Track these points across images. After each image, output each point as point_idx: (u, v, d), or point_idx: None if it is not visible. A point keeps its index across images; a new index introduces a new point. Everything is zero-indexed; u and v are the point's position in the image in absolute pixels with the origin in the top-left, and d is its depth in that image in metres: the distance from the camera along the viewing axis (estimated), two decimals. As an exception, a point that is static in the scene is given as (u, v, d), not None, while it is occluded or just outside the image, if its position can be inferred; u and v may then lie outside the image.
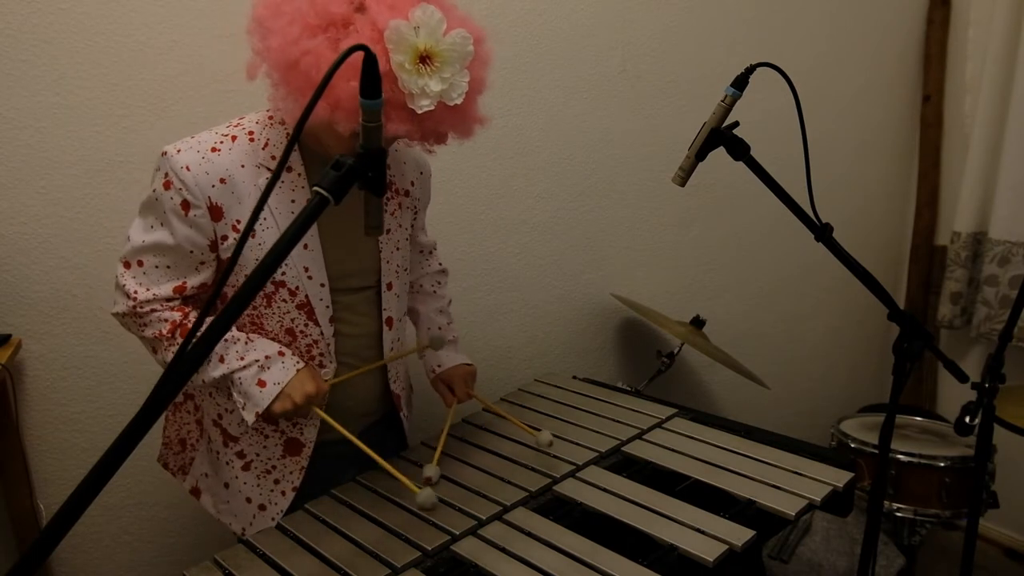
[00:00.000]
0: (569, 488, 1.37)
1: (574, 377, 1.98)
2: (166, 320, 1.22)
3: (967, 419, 1.47)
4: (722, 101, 1.23)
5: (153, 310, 1.22)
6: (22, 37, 1.48)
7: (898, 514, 2.09)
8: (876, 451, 2.03)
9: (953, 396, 2.96)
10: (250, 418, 1.22)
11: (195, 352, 0.74)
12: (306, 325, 1.28)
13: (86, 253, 1.60)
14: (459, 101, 1.09)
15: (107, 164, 1.59)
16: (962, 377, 1.33)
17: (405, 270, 1.43)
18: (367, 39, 1.02)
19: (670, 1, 2.25)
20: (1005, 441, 2.00)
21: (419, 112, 1.07)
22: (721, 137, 1.24)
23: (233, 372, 1.22)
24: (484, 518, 1.28)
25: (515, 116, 2.05)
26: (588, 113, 2.18)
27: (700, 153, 1.26)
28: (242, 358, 1.23)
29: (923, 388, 3.03)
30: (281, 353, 1.26)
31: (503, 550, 1.19)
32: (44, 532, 0.69)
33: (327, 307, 1.29)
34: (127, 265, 1.23)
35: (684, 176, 1.29)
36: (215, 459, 1.39)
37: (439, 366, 1.53)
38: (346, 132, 1.12)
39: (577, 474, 1.42)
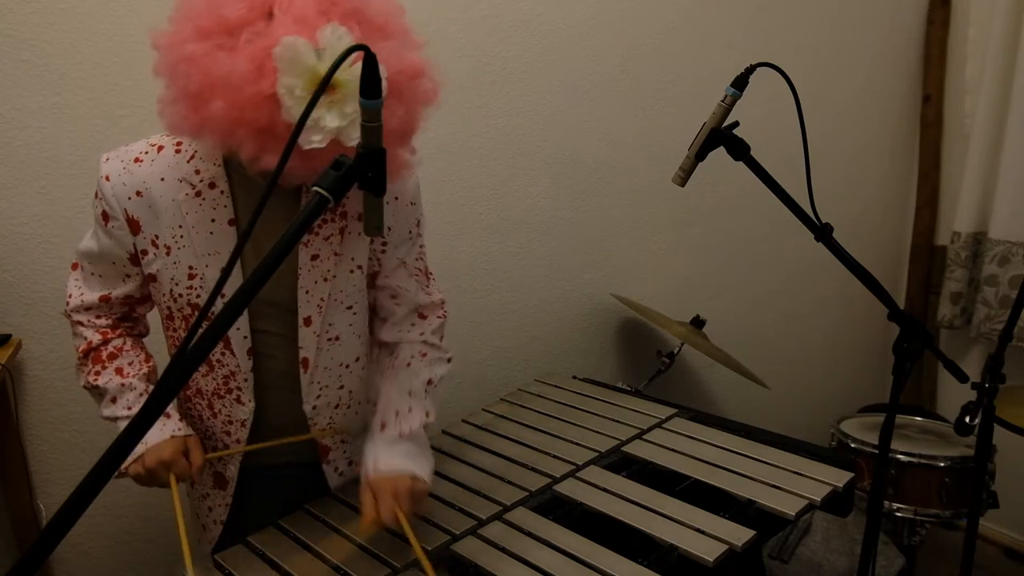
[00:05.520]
0: (569, 488, 1.37)
1: (574, 377, 1.98)
2: (85, 338, 1.20)
3: (967, 419, 1.47)
4: (722, 101, 1.23)
5: (79, 322, 1.21)
6: (22, 37, 1.48)
7: (898, 514, 2.09)
8: (876, 451, 2.03)
9: (953, 396, 2.96)
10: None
11: (193, 355, 0.74)
12: (223, 354, 1.18)
13: (86, 253, 1.60)
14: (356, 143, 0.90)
15: (107, 164, 1.59)
16: (962, 377, 1.33)
17: (349, 309, 1.22)
18: (250, 56, 0.90)
19: (670, 1, 2.25)
20: (1005, 441, 2.00)
21: (305, 148, 0.91)
22: (721, 137, 1.24)
23: (118, 419, 1.18)
24: (484, 518, 1.28)
25: (515, 116, 2.05)
26: (588, 113, 2.17)
27: (700, 153, 1.26)
28: (129, 408, 1.18)
29: (923, 388, 3.03)
30: (168, 415, 1.18)
31: (503, 550, 1.19)
32: (44, 532, 0.69)
33: (245, 337, 1.17)
34: (73, 266, 1.23)
35: (684, 176, 1.29)
36: None
37: (375, 466, 1.18)
38: (220, 150, 1.05)
39: (577, 474, 1.42)
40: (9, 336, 1.53)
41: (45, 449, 1.64)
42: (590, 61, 2.14)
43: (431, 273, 1.33)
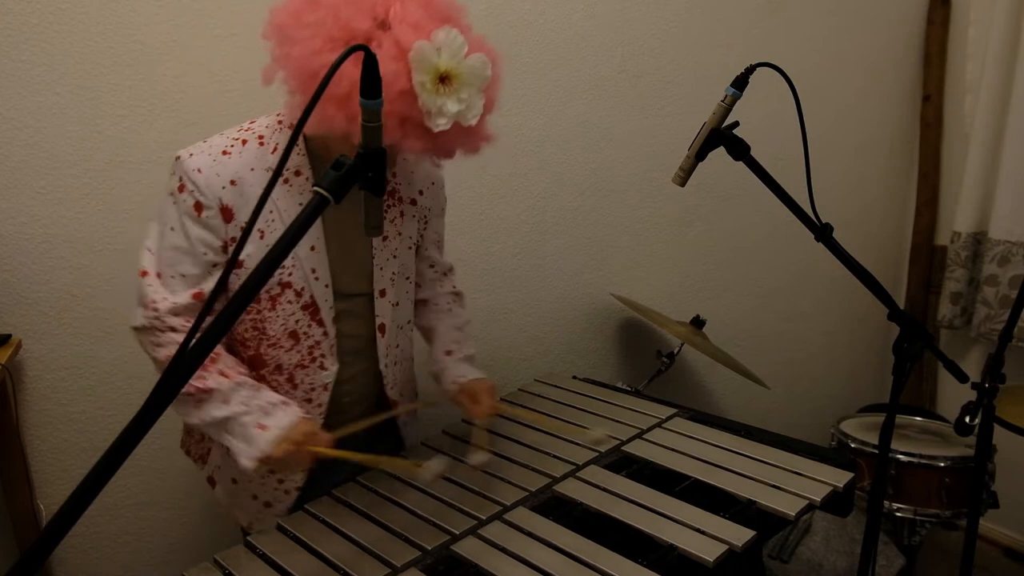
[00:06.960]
0: (569, 488, 1.37)
1: (574, 377, 1.98)
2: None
3: (967, 419, 1.47)
4: (722, 101, 1.23)
5: (172, 328, 1.22)
6: (22, 37, 1.48)
7: (898, 514, 2.09)
8: (876, 451, 2.03)
9: (953, 396, 2.96)
10: (248, 464, 1.18)
11: (195, 353, 0.74)
12: (309, 326, 1.30)
13: (86, 253, 1.60)
14: (474, 122, 1.12)
15: (107, 164, 1.59)
16: (962, 377, 1.33)
17: (407, 278, 1.43)
18: (389, 57, 1.04)
19: (670, 1, 2.25)
20: (1005, 441, 2.00)
21: (435, 131, 1.09)
22: (721, 137, 1.24)
23: (237, 415, 1.20)
24: (484, 518, 1.28)
25: (515, 116, 2.05)
26: (588, 113, 2.17)
27: (700, 153, 1.26)
28: (246, 404, 1.21)
29: (923, 388, 3.03)
30: (285, 403, 1.25)
31: (503, 550, 1.19)
32: (44, 532, 0.69)
33: (331, 308, 1.31)
34: (144, 273, 1.23)
35: (684, 176, 1.29)
36: (225, 454, 1.39)
37: (460, 377, 1.50)
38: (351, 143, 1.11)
39: (577, 474, 1.42)
40: (9, 336, 1.53)
41: (45, 449, 1.64)
42: (590, 61, 2.14)
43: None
